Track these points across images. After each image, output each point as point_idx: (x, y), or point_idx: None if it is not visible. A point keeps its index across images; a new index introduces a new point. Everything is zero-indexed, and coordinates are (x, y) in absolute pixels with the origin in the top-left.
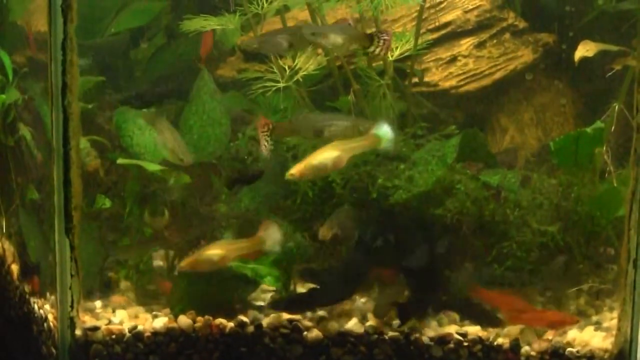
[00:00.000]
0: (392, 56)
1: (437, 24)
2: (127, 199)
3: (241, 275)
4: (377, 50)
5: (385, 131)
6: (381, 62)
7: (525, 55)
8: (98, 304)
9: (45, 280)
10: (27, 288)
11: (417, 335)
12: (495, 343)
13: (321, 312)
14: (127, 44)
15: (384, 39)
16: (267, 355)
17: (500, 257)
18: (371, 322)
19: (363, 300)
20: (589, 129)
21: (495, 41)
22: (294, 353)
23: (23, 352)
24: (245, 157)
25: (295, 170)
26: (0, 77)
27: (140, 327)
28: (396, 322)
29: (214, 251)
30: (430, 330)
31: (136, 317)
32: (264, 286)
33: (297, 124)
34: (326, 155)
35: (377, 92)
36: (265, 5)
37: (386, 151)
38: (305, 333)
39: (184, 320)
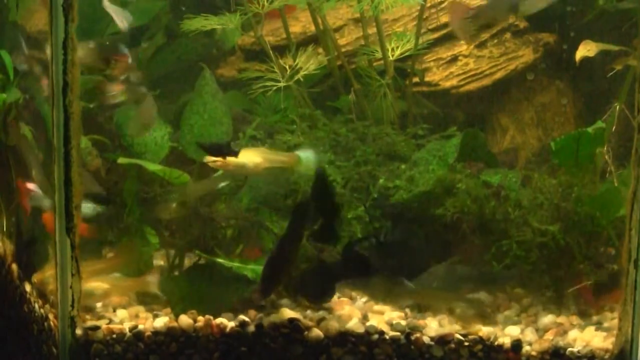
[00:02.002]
0: (392, 56)
1: (437, 23)
2: (126, 198)
3: (242, 276)
4: (114, 72)
5: (307, 157)
6: (382, 62)
7: (526, 55)
8: (98, 303)
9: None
10: (27, 287)
11: (418, 335)
12: (496, 343)
13: (321, 312)
14: (127, 44)
15: (121, 61)
16: (267, 355)
17: (499, 256)
18: (372, 321)
19: (364, 299)
20: (590, 129)
21: (495, 41)
22: (294, 353)
23: (23, 351)
24: None
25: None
26: (0, 76)
27: (140, 327)
28: (397, 321)
29: None
30: (431, 330)
31: (137, 316)
32: None
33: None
34: (250, 158)
35: (377, 91)
36: (266, 4)
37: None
38: (305, 333)
39: (184, 319)
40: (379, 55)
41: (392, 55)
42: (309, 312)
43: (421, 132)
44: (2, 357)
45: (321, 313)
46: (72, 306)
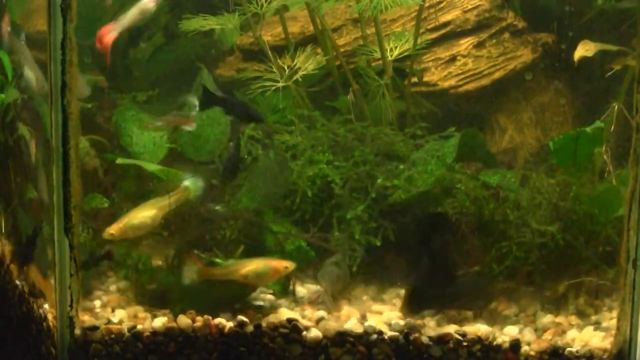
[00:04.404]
0: (391, 56)
1: (436, 23)
2: (124, 198)
3: None
4: None
5: (192, 182)
6: (380, 62)
7: (525, 55)
8: (97, 303)
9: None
10: (26, 287)
11: (417, 334)
12: (494, 343)
13: (320, 312)
14: (126, 44)
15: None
16: (266, 355)
17: (499, 257)
18: (370, 321)
19: (364, 298)
20: (588, 129)
21: (494, 41)
22: (293, 353)
23: (22, 351)
24: (245, 157)
25: (115, 230)
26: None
27: (139, 327)
28: (395, 321)
29: None
30: (430, 330)
31: (135, 316)
32: None
33: None
34: (145, 214)
35: (376, 91)
36: (265, 4)
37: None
38: (304, 333)
39: (183, 320)
40: (377, 55)
41: (391, 56)
42: (307, 312)
43: (420, 132)
44: (1, 357)
45: (320, 313)
46: (71, 306)
